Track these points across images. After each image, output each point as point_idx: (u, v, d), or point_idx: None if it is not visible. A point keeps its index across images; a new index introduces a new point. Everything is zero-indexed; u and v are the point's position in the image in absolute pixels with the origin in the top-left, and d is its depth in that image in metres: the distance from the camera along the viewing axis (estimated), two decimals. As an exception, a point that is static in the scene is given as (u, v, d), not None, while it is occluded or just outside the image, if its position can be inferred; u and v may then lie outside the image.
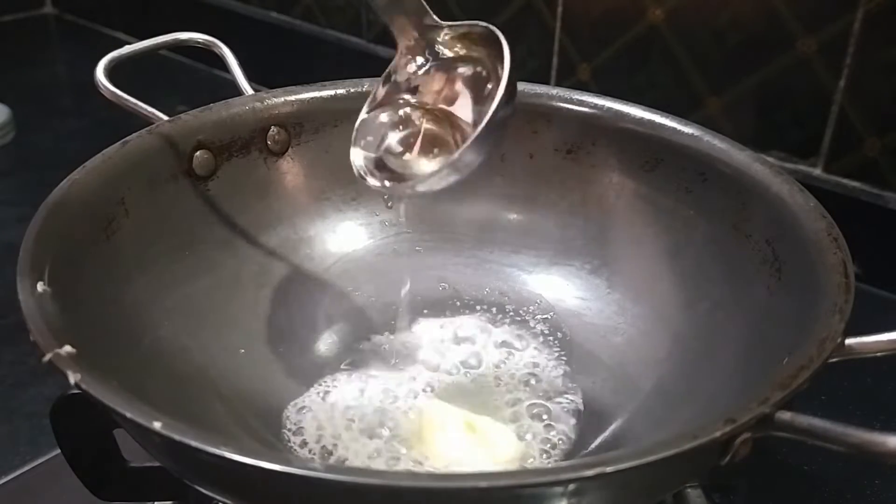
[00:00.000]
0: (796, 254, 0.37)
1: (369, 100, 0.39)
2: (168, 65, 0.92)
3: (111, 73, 0.46)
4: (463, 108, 0.37)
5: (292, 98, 0.47)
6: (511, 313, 0.47)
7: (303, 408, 0.41)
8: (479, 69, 0.37)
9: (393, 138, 0.39)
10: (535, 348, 0.45)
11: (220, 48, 0.50)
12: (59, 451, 0.35)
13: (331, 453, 0.38)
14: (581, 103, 0.47)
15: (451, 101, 0.38)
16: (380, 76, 0.38)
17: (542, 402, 0.42)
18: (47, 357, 0.28)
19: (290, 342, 0.44)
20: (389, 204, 0.49)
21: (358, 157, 0.38)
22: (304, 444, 0.39)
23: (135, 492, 0.36)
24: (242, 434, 0.38)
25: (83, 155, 0.40)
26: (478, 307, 0.48)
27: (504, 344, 0.45)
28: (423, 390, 0.42)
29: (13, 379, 0.51)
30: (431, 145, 0.38)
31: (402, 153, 0.38)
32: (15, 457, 0.45)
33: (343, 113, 0.48)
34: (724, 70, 0.61)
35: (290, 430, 0.40)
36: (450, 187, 0.35)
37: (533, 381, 0.43)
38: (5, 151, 0.80)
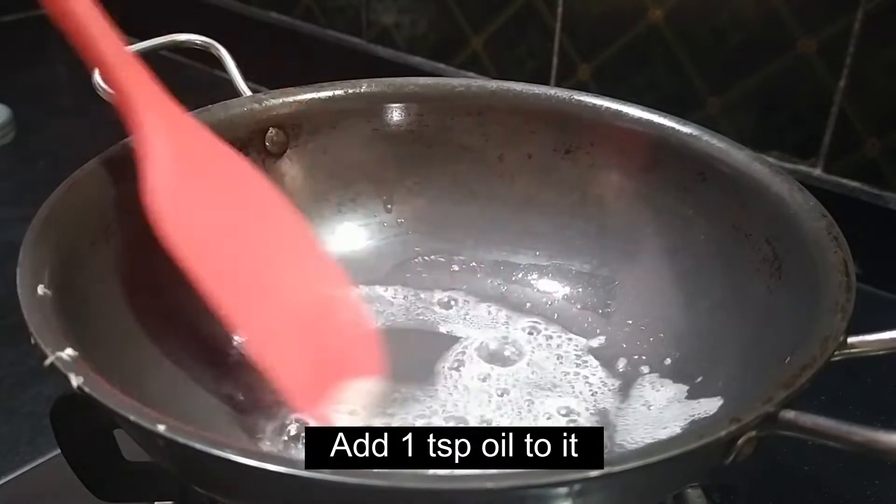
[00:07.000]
0: (796, 253, 0.37)
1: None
2: (166, 66, 0.91)
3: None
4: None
5: (290, 99, 0.47)
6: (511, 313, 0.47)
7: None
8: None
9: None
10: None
11: (218, 50, 0.50)
12: (59, 451, 0.35)
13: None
14: (580, 103, 0.47)
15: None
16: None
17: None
18: (49, 361, 0.28)
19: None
20: (389, 206, 0.49)
21: None
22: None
23: (135, 492, 0.36)
24: (245, 435, 0.38)
25: (83, 155, 0.40)
26: (477, 307, 0.48)
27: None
28: (423, 390, 0.42)
29: (13, 379, 0.51)
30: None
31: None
32: (15, 457, 0.45)
33: (342, 114, 0.48)
34: (724, 70, 0.61)
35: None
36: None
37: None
38: (5, 151, 0.80)
